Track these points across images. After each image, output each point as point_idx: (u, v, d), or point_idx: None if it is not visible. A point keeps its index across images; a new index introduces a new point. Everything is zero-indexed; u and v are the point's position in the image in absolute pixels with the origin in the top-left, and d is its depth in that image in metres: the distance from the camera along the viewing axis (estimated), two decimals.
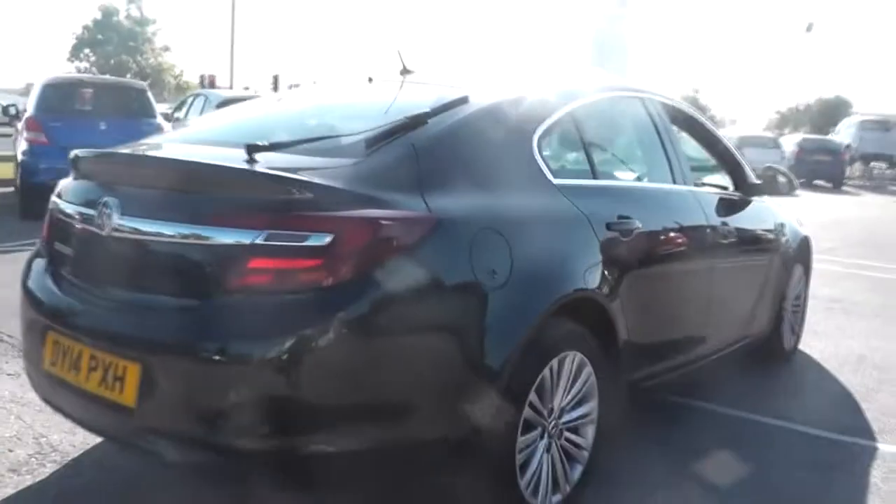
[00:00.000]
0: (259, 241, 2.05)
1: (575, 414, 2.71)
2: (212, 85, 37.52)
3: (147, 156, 2.64)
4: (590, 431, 2.79)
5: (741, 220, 4.03)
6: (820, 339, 5.42)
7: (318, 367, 2.05)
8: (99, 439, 3.12)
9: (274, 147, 2.31)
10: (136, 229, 2.27)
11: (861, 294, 7.10)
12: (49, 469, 2.89)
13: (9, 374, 3.81)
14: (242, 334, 2.09)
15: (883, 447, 3.60)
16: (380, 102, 2.90)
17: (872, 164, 27.47)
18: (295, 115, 3.17)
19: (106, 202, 2.32)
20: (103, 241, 2.34)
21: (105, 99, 9.32)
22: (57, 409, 2.61)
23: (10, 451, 3.00)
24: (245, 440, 2.09)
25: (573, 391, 2.68)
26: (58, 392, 2.46)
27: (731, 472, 3.23)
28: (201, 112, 12.05)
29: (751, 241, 4.19)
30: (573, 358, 2.63)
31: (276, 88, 31.15)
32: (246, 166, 2.22)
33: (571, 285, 2.62)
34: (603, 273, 2.76)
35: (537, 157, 2.74)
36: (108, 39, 52.56)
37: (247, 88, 33.09)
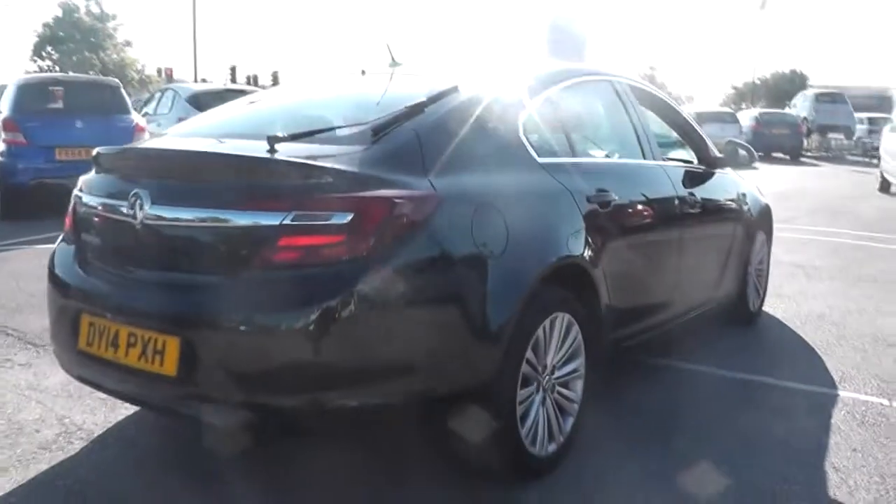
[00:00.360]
0: (287, 221, 2.29)
1: (565, 370, 2.98)
2: (169, 78, 37.30)
3: (175, 150, 2.83)
4: (578, 386, 3.06)
5: (706, 191, 4.32)
6: (783, 301, 5.77)
7: (342, 332, 2.29)
8: (119, 417, 3.35)
9: (292, 138, 2.54)
10: (168, 217, 2.49)
11: (821, 259, 7.48)
12: (77, 445, 3.09)
13: (21, 365, 3.98)
14: (274, 305, 2.32)
15: (842, 394, 3.93)
16: (378, 93, 3.13)
17: (830, 135, 28.13)
18: (300, 106, 3.39)
19: (137, 193, 2.53)
20: (136, 229, 2.55)
21: (80, 97, 9.34)
22: (93, 385, 2.83)
23: (37, 431, 3.20)
24: (277, 398, 2.33)
25: (563, 349, 2.95)
26: (95, 369, 2.66)
27: (705, 423, 3.53)
28: (171, 106, 12.11)
29: (716, 211, 4.49)
30: (562, 319, 2.89)
31: (233, 79, 31.21)
32: (270, 155, 2.44)
33: (559, 252, 2.89)
34: (585, 241, 3.02)
35: (523, 138, 3.00)
36: (69, 36, 51.80)
37: (204, 80, 33.01)
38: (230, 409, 2.36)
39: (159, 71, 44.34)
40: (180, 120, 10.99)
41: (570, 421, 3.03)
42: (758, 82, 48.72)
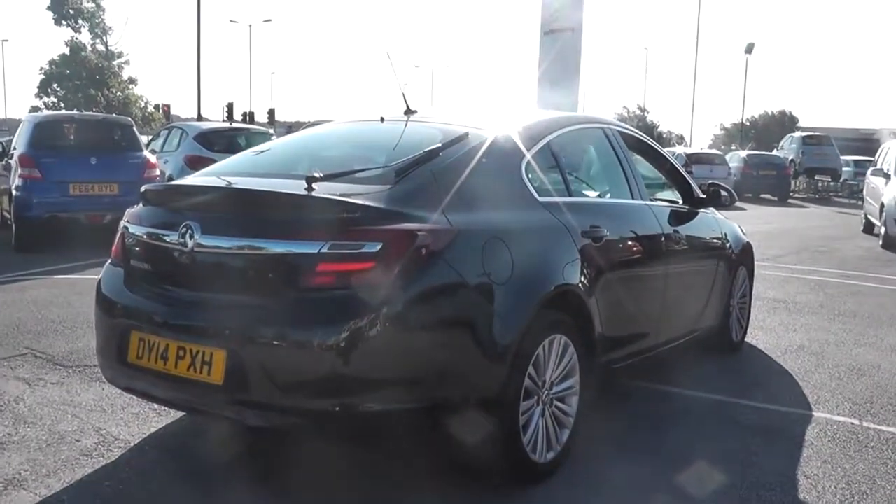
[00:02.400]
0: (325, 249, 2.66)
1: (562, 386, 3.31)
2: (166, 114, 37.89)
3: (222, 187, 3.17)
4: (574, 402, 3.39)
5: (690, 229, 4.70)
6: (766, 333, 6.12)
7: (370, 346, 2.64)
8: (152, 428, 3.65)
9: (326, 178, 2.91)
10: (216, 245, 2.87)
11: (803, 295, 7.84)
12: (116, 453, 3.39)
13: (53, 383, 4.28)
14: (311, 322, 2.68)
15: (817, 414, 4.26)
16: (395, 138, 3.51)
17: (817, 177, 28.70)
18: (326, 149, 3.78)
19: (188, 224, 2.90)
20: (186, 256, 2.92)
21: (93, 135, 9.71)
22: (141, 394, 3.20)
23: (77, 440, 3.50)
24: (312, 403, 2.68)
25: (560, 367, 3.28)
26: (144, 380, 3.01)
27: (688, 438, 3.85)
28: (178, 144, 12.47)
29: (699, 247, 4.86)
30: (559, 340, 3.23)
31: (230, 116, 31.90)
32: (307, 192, 2.80)
33: (557, 281, 3.24)
34: (581, 271, 3.38)
35: (525, 180, 3.39)
36: (75, 74, 52.56)
37: (202, 118, 33.67)
38: (270, 413, 2.71)
39: (157, 107, 44.85)
40: (187, 157, 11.42)
41: (567, 432, 3.35)
42: (747, 123, 49.39)
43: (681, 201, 4.92)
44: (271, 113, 38.81)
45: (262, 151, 3.88)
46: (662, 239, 4.29)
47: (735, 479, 3.35)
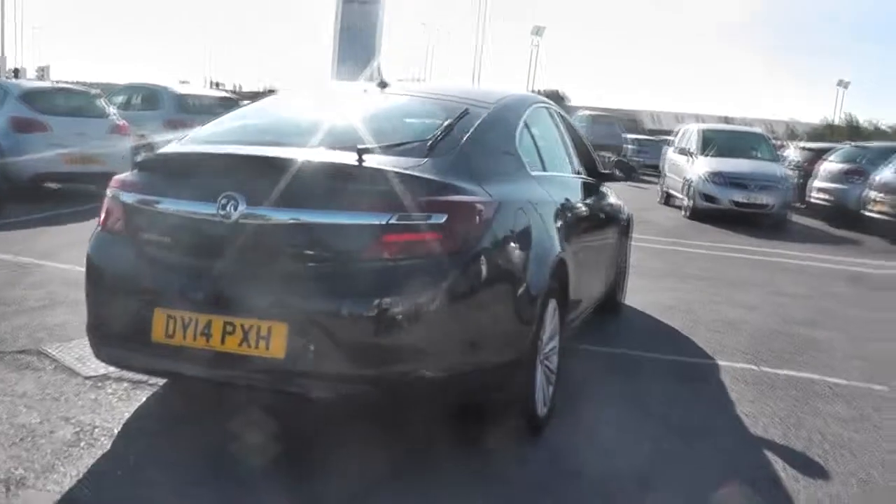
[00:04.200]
0: (393, 221, 2.68)
1: (550, 345, 3.55)
2: None
3: (267, 156, 3.01)
4: (555, 360, 3.65)
5: (604, 200, 5.13)
6: (632, 295, 6.64)
7: (438, 314, 2.73)
8: (124, 414, 3.45)
9: (373, 150, 2.90)
10: (267, 217, 2.77)
11: (645, 262, 8.51)
12: (105, 441, 3.16)
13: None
14: (380, 292, 2.69)
15: (720, 363, 4.84)
16: (398, 111, 3.56)
17: (603, 153, 31.01)
18: (336, 118, 3.68)
19: (229, 195, 2.77)
20: (228, 228, 2.79)
21: None
22: (167, 374, 3.05)
23: (52, 432, 3.21)
24: (383, 370, 2.71)
25: (550, 328, 3.52)
26: (174, 358, 2.85)
27: (635, 391, 4.25)
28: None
29: (610, 217, 5.31)
30: (553, 304, 3.47)
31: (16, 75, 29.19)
32: (360, 164, 2.80)
33: (556, 249, 3.48)
34: (562, 241, 3.63)
35: (520, 155, 3.56)
36: None
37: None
38: (337, 383, 2.71)
39: None
40: (12, 119, 10.21)
41: (552, 389, 3.61)
42: None
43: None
44: (43, 70, 35.48)
45: (259, 119, 3.75)
46: (596, 211, 4.67)
47: (676, 419, 3.81)
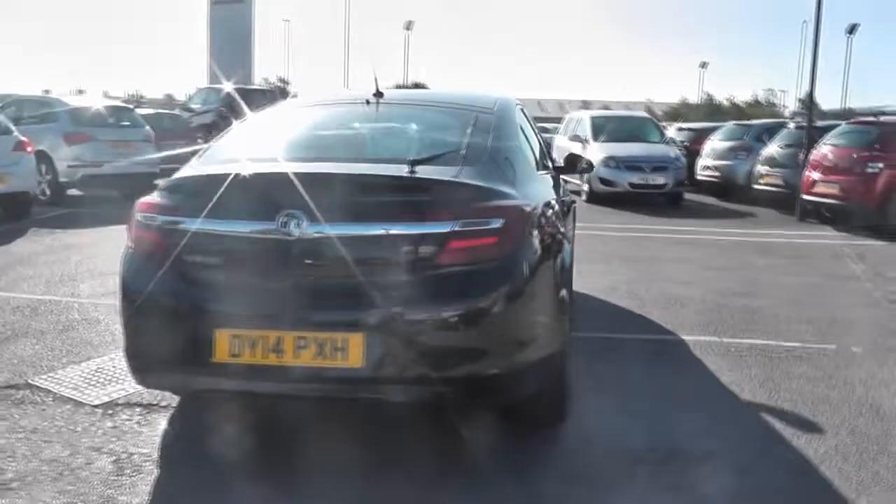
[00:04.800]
0: (457, 228, 2.80)
1: None
2: None
3: (324, 172, 3.06)
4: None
5: (567, 193, 5.38)
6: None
7: (504, 313, 2.86)
8: (149, 439, 3.41)
9: (421, 161, 3.01)
10: (330, 232, 2.82)
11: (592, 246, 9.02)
12: (151, 468, 3.12)
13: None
14: (451, 297, 2.82)
15: (685, 337, 5.19)
16: (425, 121, 3.64)
17: None
18: (363, 130, 3.74)
19: (290, 213, 2.81)
20: (292, 246, 2.82)
21: None
22: (236, 391, 3.03)
23: (90, 464, 3.14)
24: (458, 371, 2.83)
25: None
26: (241, 377, 2.88)
27: (605, 374, 4.49)
28: None
29: (571, 207, 5.57)
30: (568, 295, 3.68)
31: None
32: (412, 175, 2.90)
33: (567, 245, 3.67)
34: (566, 236, 3.84)
35: (528, 156, 3.73)
36: None
37: None
38: (415, 387, 2.82)
39: None
40: None
41: None
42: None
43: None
44: None
45: (282, 134, 3.75)
46: (568, 203, 4.91)
47: (685, 394, 4.11)
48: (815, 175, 11.20)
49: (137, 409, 3.75)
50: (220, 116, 17.05)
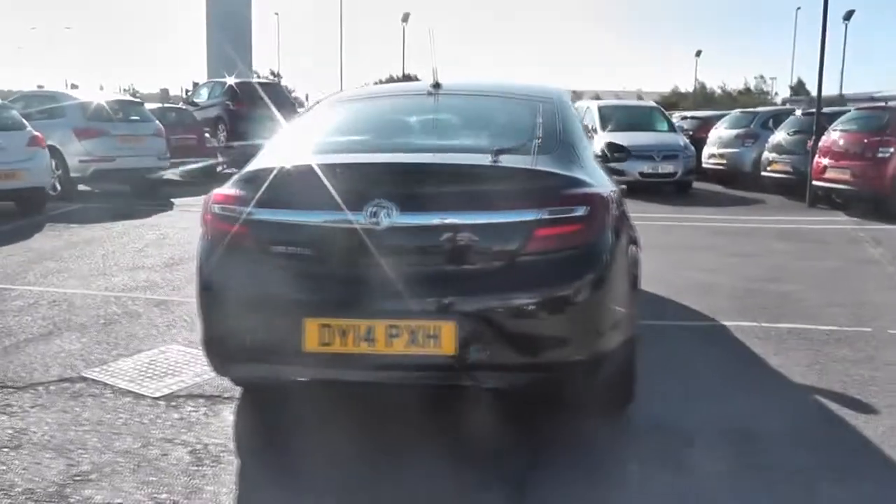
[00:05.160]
0: (544, 216, 2.83)
1: None
2: None
3: (411, 163, 3.11)
4: None
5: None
6: None
7: (592, 298, 2.91)
8: (219, 429, 3.43)
9: (505, 150, 3.04)
10: (419, 222, 2.87)
11: None
12: (230, 458, 3.16)
13: (21, 411, 3.71)
14: (541, 283, 2.85)
15: (725, 323, 5.22)
16: (494, 110, 3.67)
17: None
18: (432, 120, 3.77)
19: (378, 203, 2.83)
20: (380, 235, 2.85)
21: None
22: (329, 378, 3.06)
23: (165, 455, 3.17)
24: (549, 357, 2.88)
25: None
26: (334, 366, 2.92)
27: (658, 359, 4.52)
28: None
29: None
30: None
31: None
32: (495, 164, 2.93)
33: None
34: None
35: (588, 144, 3.77)
36: None
37: None
38: (508, 373, 2.86)
39: None
40: None
41: None
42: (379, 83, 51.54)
43: None
44: None
45: (355, 125, 3.77)
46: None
47: (741, 378, 4.16)
48: (826, 161, 11.26)
49: (200, 401, 3.77)
50: (225, 110, 16.98)
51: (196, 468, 3.07)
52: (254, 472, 3.07)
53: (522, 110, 3.54)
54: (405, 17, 50.58)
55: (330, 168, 2.98)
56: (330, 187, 2.91)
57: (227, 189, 3.17)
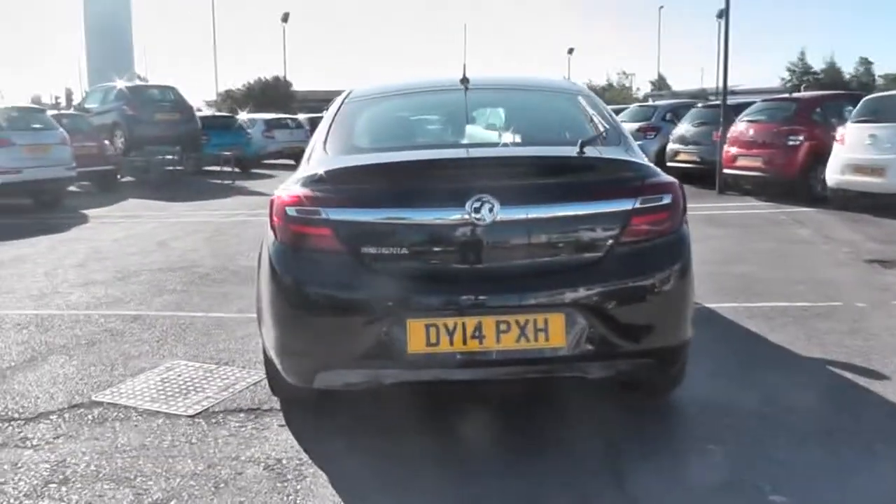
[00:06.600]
0: (638, 205, 2.88)
1: None
2: None
3: (509, 156, 3.11)
4: None
5: None
6: None
7: (682, 285, 3.00)
8: (283, 441, 3.31)
9: (589, 142, 3.07)
10: (521, 216, 2.85)
11: None
12: (311, 469, 3.05)
13: (74, 438, 3.45)
14: (641, 271, 2.92)
15: (710, 306, 5.46)
16: (540, 104, 3.67)
17: None
18: (488, 115, 3.75)
19: (481, 199, 2.79)
20: (483, 231, 2.81)
21: None
22: (434, 379, 3.00)
23: (240, 473, 3.03)
24: (654, 342, 2.94)
25: None
26: (441, 366, 2.87)
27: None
28: None
29: None
30: None
31: None
32: (581, 155, 2.96)
33: None
34: None
35: None
36: None
37: None
38: (616, 361, 2.90)
39: None
40: None
41: None
42: (243, 88, 50.29)
43: None
44: None
45: (415, 122, 3.75)
46: None
47: (751, 356, 4.37)
48: (735, 150, 11.92)
49: (241, 415, 3.62)
50: (122, 116, 16.15)
51: (282, 485, 2.95)
52: (346, 481, 2.97)
53: (566, 103, 3.59)
54: (285, 17, 49.71)
55: (424, 164, 2.92)
56: (424, 184, 2.86)
57: (298, 190, 3.01)
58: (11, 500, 2.89)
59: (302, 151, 3.71)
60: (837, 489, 2.86)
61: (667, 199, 2.99)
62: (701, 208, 10.93)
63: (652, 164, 3.18)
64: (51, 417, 3.68)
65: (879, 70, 55.37)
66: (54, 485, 3.01)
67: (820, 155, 10.62)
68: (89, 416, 3.68)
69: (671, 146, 14.22)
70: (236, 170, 18.07)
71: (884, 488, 2.87)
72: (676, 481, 2.94)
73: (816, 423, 3.43)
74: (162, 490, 2.94)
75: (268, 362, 3.40)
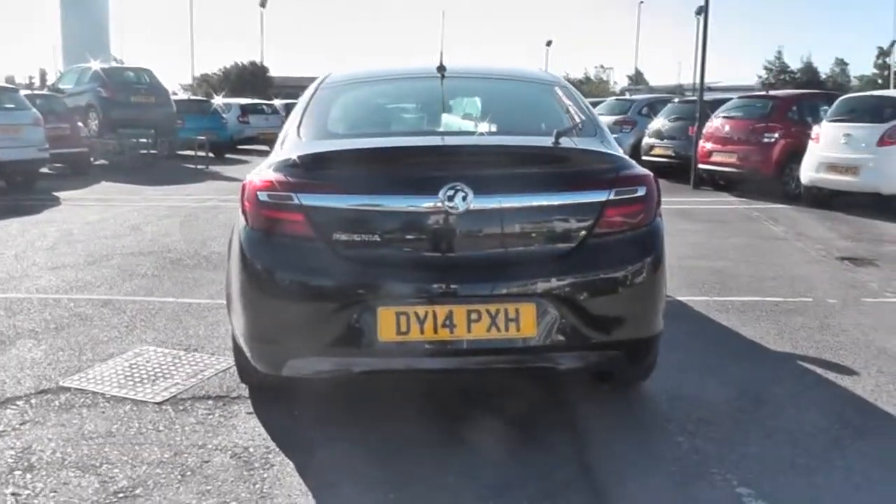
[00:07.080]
0: (612, 196, 2.87)
1: None
2: None
3: (485, 145, 3.06)
4: None
5: None
6: None
7: (655, 277, 3.00)
8: (266, 427, 3.28)
9: (565, 133, 3.05)
10: (495, 205, 2.82)
11: None
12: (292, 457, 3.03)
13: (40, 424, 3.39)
14: (614, 263, 2.90)
15: (682, 299, 5.50)
16: (518, 93, 3.64)
17: None
18: (465, 103, 3.70)
19: (455, 187, 2.75)
20: (454, 219, 2.78)
21: None
22: (404, 368, 2.96)
23: (206, 461, 2.99)
24: (623, 334, 2.93)
25: None
26: (410, 354, 2.84)
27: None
28: None
29: None
30: None
31: None
32: (556, 146, 2.94)
33: None
34: None
35: None
36: None
37: None
38: (586, 352, 2.89)
39: None
40: None
41: None
42: (219, 73, 49.90)
43: None
44: None
45: (393, 108, 3.71)
46: None
47: (721, 347, 4.40)
48: (710, 146, 12.00)
49: (209, 403, 3.57)
50: (97, 98, 15.91)
51: (249, 473, 2.92)
52: (314, 469, 2.94)
53: (542, 94, 3.58)
54: (263, 2, 49.27)
55: (398, 151, 2.89)
56: (399, 171, 2.83)
57: (271, 175, 2.96)
58: None
59: (277, 137, 3.66)
60: (806, 483, 2.89)
61: (641, 192, 2.99)
62: (675, 203, 11.00)
63: (627, 157, 3.17)
64: (17, 403, 3.61)
65: (854, 71, 56.21)
66: (19, 472, 2.95)
67: (794, 153, 10.73)
68: (56, 402, 3.62)
69: (647, 140, 14.28)
70: (211, 155, 17.94)
71: (851, 482, 2.90)
72: (645, 474, 2.94)
73: (786, 417, 3.46)
74: (128, 478, 2.89)
75: (237, 349, 3.36)
